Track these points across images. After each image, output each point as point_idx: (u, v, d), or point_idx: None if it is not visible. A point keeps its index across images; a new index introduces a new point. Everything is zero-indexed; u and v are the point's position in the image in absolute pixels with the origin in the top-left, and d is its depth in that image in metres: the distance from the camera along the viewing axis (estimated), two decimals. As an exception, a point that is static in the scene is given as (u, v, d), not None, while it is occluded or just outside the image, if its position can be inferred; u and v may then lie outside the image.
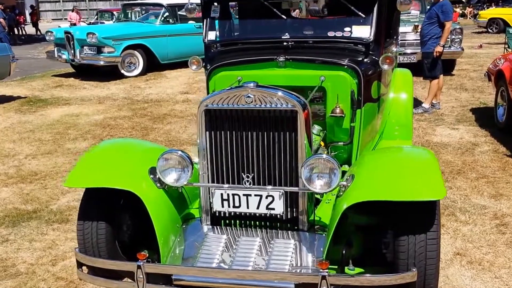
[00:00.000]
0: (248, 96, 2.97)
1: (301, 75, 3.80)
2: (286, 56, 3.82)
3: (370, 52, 3.90)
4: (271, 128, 2.99)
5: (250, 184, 3.02)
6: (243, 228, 3.14)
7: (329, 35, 4.00)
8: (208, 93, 3.98)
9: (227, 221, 3.18)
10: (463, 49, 11.23)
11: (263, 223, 3.14)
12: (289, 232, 3.06)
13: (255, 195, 3.02)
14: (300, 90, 3.83)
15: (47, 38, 13.68)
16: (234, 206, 3.07)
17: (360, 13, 3.93)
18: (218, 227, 3.18)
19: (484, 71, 8.71)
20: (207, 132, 3.08)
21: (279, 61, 3.82)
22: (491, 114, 7.68)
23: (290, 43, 3.92)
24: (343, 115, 3.68)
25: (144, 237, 3.36)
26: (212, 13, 4.30)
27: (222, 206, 3.09)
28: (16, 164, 6.27)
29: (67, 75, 13.31)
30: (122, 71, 12.49)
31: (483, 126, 7.25)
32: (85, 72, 13.07)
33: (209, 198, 3.13)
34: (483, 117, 7.74)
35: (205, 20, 4.27)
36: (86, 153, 3.30)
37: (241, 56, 3.98)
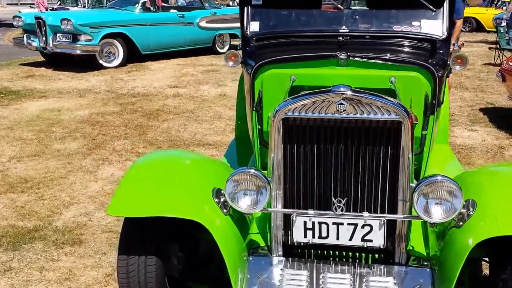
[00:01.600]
0: (341, 103, 2.42)
1: (368, 76, 3.26)
2: (349, 53, 3.28)
3: (440, 51, 3.40)
4: (369, 142, 2.45)
5: (342, 210, 2.47)
6: (326, 261, 2.60)
7: (395, 29, 3.48)
8: (253, 94, 3.41)
9: (304, 252, 2.63)
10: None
11: (350, 254, 2.61)
12: (385, 267, 2.53)
13: (349, 224, 2.48)
14: None
15: (14, 23, 12.65)
16: (320, 237, 2.52)
17: (430, 6, 3.43)
18: (293, 259, 2.63)
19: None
20: (285, 146, 2.52)
21: (340, 59, 3.28)
22: (502, 114, 7.38)
23: (349, 38, 3.39)
24: (416, 122, 3.18)
25: (195, 270, 2.78)
26: (254, 0, 3.72)
27: (305, 237, 2.53)
28: (0, 168, 5.50)
29: (37, 64, 12.33)
30: (101, 62, 11.61)
31: (501, 128, 6.93)
32: (58, 61, 12.12)
33: (287, 226, 2.57)
34: (496, 118, 7.44)
35: (245, 8, 3.68)
36: (131, 170, 2.67)
37: (293, 52, 3.41)
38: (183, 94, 9.16)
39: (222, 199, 2.54)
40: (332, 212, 2.48)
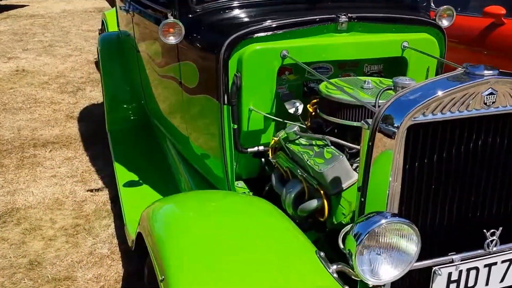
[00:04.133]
0: (491, 93, 1.63)
1: (377, 43, 2.55)
2: (350, 15, 2.46)
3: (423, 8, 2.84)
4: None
5: (496, 245, 1.74)
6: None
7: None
8: (225, 81, 2.36)
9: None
10: None
11: None
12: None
13: (503, 262, 1.76)
14: (352, 64, 2.60)
15: None
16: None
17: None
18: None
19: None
20: (411, 164, 1.66)
21: (341, 23, 2.45)
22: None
23: None
24: None
25: None
26: None
27: (446, 293, 1.75)
28: None
29: None
30: None
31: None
32: None
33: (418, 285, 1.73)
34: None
35: None
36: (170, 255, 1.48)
37: (280, 18, 2.44)
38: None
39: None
40: (483, 251, 1.73)
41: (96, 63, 6.90)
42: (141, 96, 3.94)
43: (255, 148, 2.56)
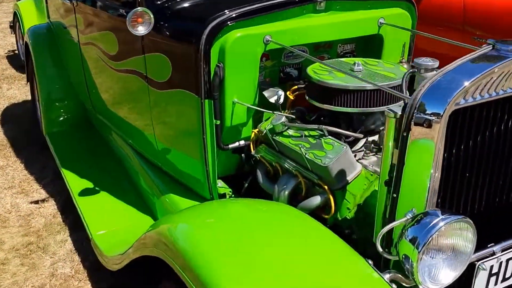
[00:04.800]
0: (524, 71, 1.56)
1: (355, 21, 2.43)
2: (326, -7, 2.34)
3: None
4: None
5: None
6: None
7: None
8: (207, 72, 2.15)
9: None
10: None
11: None
12: None
13: None
14: (326, 45, 2.48)
15: None
16: (503, 280, 1.69)
17: None
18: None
19: None
20: (449, 152, 1.55)
21: (319, 2, 2.32)
22: None
23: None
24: None
25: None
26: None
27: (487, 286, 1.66)
28: None
29: None
30: None
31: None
32: None
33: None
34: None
35: None
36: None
37: (257, 1, 2.25)
38: None
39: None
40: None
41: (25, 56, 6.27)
42: (84, 93, 3.56)
43: (236, 144, 2.36)
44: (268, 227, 1.58)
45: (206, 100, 2.19)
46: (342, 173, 1.94)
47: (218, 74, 2.14)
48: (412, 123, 1.47)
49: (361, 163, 2.01)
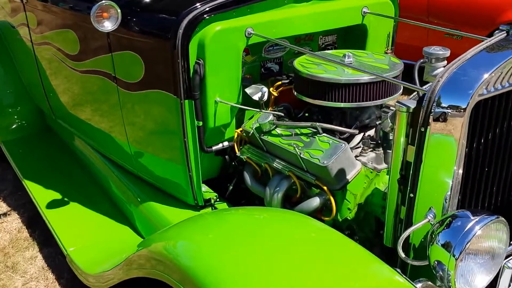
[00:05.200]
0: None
1: (339, 11, 2.32)
2: (309, -21, 2.22)
3: None
4: None
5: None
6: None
7: None
8: (186, 71, 2.00)
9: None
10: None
11: None
12: None
13: None
14: (308, 38, 2.39)
15: None
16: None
17: None
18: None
19: None
20: (470, 146, 1.49)
21: (301, -10, 2.23)
22: None
23: None
24: None
25: None
26: None
27: (509, 285, 1.61)
28: None
29: None
30: None
31: None
32: None
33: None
34: None
35: None
36: None
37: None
38: None
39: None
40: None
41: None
42: (41, 98, 3.31)
43: (220, 145, 2.23)
44: (280, 238, 1.45)
45: (186, 101, 2.04)
46: (342, 172, 1.85)
47: (198, 71, 2.00)
48: (431, 117, 1.38)
49: (359, 160, 1.92)
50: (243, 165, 2.25)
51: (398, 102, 1.47)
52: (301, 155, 1.88)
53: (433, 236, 1.32)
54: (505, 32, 1.50)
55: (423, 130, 1.40)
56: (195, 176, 2.20)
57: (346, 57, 2.04)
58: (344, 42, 2.51)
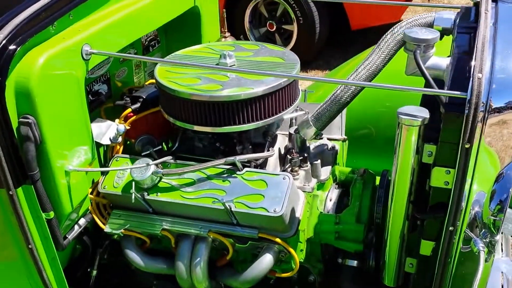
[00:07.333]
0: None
1: None
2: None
3: None
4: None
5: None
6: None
7: None
8: (3, 147, 1.21)
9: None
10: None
11: None
12: None
13: None
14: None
15: None
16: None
17: None
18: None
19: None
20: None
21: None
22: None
23: None
24: None
25: None
26: None
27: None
28: None
29: None
30: None
31: None
32: None
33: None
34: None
35: None
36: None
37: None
38: None
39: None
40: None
41: None
42: None
43: (76, 228, 1.50)
44: None
45: (21, 188, 1.22)
46: (293, 213, 1.44)
47: (29, 136, 1.19)
48: (484, 128, 1.02)
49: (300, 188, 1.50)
50: (109, 240, 1.58)
51: (402, 113, 1.08)
52: (232, 209, 1.34)
53: None
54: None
55: (467, 146, 1.03)
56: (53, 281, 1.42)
57: (227, 57, 1.50)
58: (166, 34, 1.94)
